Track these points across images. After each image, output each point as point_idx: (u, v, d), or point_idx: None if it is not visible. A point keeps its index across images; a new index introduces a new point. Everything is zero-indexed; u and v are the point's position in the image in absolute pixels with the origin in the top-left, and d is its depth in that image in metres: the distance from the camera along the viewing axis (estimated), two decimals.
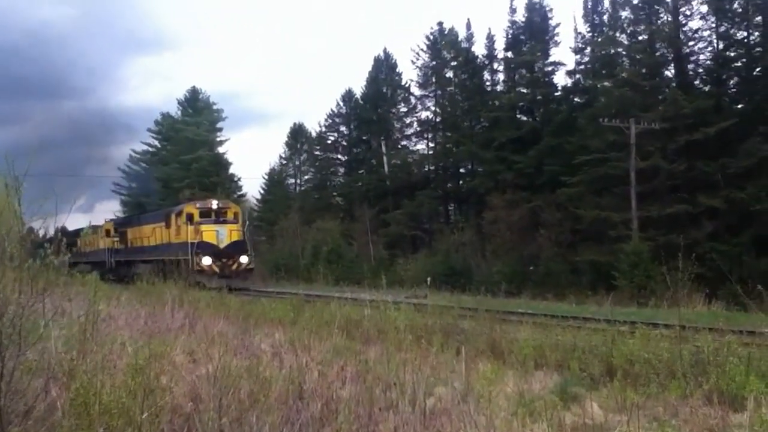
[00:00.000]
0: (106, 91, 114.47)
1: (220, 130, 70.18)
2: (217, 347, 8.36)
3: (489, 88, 52.26)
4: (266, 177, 69.17)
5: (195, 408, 5.66)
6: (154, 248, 37.30)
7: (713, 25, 37.73)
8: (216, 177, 63.42)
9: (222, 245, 32.46)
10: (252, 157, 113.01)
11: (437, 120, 56.12)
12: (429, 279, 30.44)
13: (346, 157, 62.92)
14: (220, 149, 68.92)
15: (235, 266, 32.36)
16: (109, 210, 77.56)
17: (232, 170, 68.65)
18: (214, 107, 70.55)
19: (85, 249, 49.60)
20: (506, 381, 8.44)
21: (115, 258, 44.30)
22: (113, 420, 4.93)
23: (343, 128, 63.76)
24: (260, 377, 6.61)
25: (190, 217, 33.09)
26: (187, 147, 64.17)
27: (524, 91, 48.08)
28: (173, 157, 65.19)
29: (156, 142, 69.65)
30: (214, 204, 34.29)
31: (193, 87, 71.08)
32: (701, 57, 38.91)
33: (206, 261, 31.24)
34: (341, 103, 63.31)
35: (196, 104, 69.83)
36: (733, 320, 15.91)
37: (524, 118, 48.33)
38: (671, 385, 8.22)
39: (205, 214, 33.54)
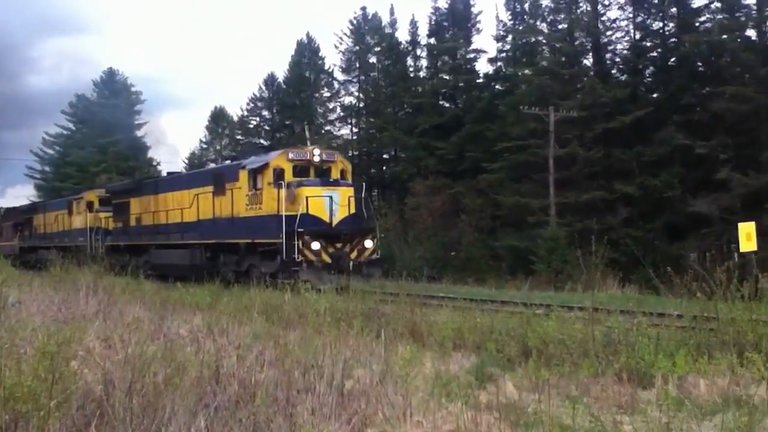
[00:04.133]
0: (15, 71, 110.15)
1: (139, 113, 68.51)
2: (133, 333, 8.20)
3: (412, 74, 52.56)
4: (186, 161, 68.03)
5: (106, 393, 5.54)
6: (194, 226, 25.35)
7: (630, 16, 38.90)
8: (134, 161, 61.91)
9: (335, 221, 21.02)
10: (172, 141, 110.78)
11: (361, 105, 56.12)
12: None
13: (268, 142, 62.31)
14: (138, 132, 67.29)
15: (355, 254, 21.00)
16: (22, 195, 75.02)
17: (150, 154, 67.23)
18: (132, 89, 68.78)
19: (49, 230, 40.95)
20: (425, 363, 8.53)
21: (108, 240, 32.99)
22: (18, 405, 4.78)
23: (265, 113, 63.18)
24: (176, 361, 6.51)
25: (279, 175, 21.44)
26: (104, 130, 62.26)
27: (447, 77, 48.51)
28: (89, 140, 63.23)
29: (71, 125, 67.37)
30: (317, 155, 22.49)
31: (110, 68, 69.10)
32: (618, 47, 40.18)
33: (315, 246, 20.02)
34: (263, 87, 62.69)
35: (113, 86, 67.81)
36: (645, 302, 16.49)
37: (447, 105, 48.77)
38: (584, 364, 8.44)
39: (303, 170, 22.15)
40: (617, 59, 40.29)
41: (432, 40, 50.16)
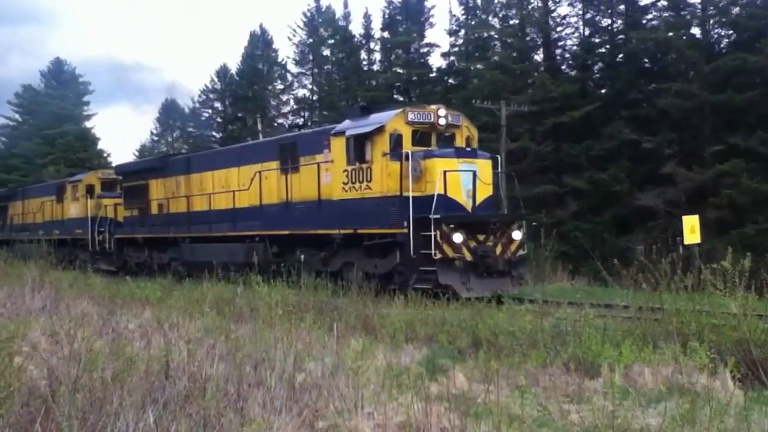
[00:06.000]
0: None
1: (87, 104, 67.23)
2: (81, 328, 8.08)
3: (366, 68, 52.50)
4: (137, 153, 67.02)
5: (51, 389, 5.46)
6: (253, 213, 20.48)
7: (580, 13, 39.46)
8: (83, 152, 60.76)
9: (470, 204, 16.36)
10: (122, 133, 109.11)
11: (314, 98, 55.88)
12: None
13: (220, 134, 61.73)
14: (87, 124, 66.03)
15: (499, 249, 16.27)
16: None
17: (100, 146, 66.01)
18: (81, 80, 67.45)
19: (31, 219, 34.80)
20: (377, 355, 8.58)
21: (120, 232, 27.88)
22: None
23: (217, 105, 62.54)
24: (125, 356, 6.44)
25: (397, 143, 16.72)
26: (52, 121, 60.93)
27: (400, 71, 48.59)
28: (36, 131, 61.86)
29: (17, 116, 65.79)
30: (443, 116, 17.41)
31: (57, 58, 67.59)
32: (569, 43, 40.74)
33: (458, 238, 15.56)
34: (216, 79, 62.06)
35: (60, 77, 66.38)
36: (593, 294, 16.75)
37: (400, 99, 48.84)
38: (533, 355, 8.58)
39: (423, 137, 17.22)
40: (567, 55, 40.94)
41: (386, 34, 50.23)
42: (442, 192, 15.75)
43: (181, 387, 5.87)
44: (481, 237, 16.09)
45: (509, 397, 6.98)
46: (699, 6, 34.37)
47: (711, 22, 34.34)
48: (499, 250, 16.13)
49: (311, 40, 55.19)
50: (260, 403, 5.82)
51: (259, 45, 60.05)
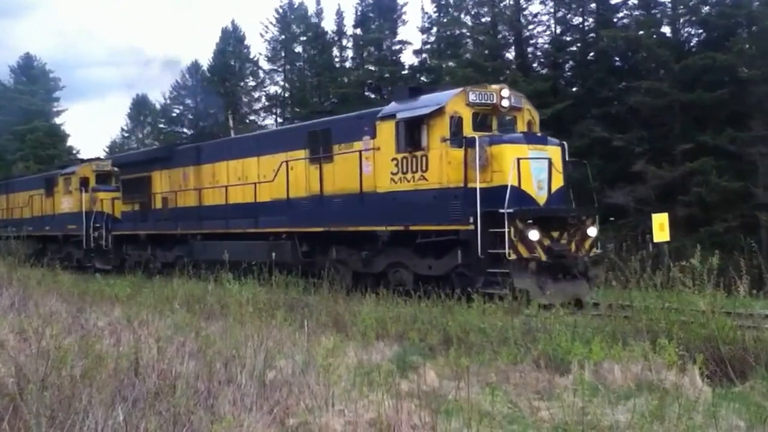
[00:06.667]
0: None
1: (57, 99, 66.55)
2: (49, 325, 7.99)
3: (338, 65, 52.38)
4: (107, 150, 66.42)
5: (19, 387, 5.38)
6: (279, 208, 18.62)
7: (551, 11, 39.53)
8: (53, 149, 60.08)
9: (543, 197, 14.68)
10: (92, 130, 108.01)
11: (286, 95, 55.66)
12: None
13: (192, 131, 61.28)
14: (57, 120, 65.34)
15: (573, 247, 14.60)
16: None
17: (70, 142, 65.33)
18: (51, 75, 66.67)
19: (17, 215, 32.83)
20: (347, 352, 8.58)
21: (118, 229, 25.80)
22: None
23: (189, 101, 62.05)
24: (94, 354, 6.38)
25: (458, 126, 14.95)
26: (21, 117, 60.19)
27: (372, 68, 48.52)
28: (5, 127, 61.04)
29: None
30: (506, 97, 15.53)
31: (27, 54, 66.76)
32: (540, 41, 40.80)
33: (534, 235, 13.74)
34: (187, 76, 61.60)
35: (30, 72, 65.58)
36: None
37: (372, 96, 48.80)
38: (503, 352, 8.62)
39: (483, 120, 15.44)
40: (539, 53, 41.01)
41: (358, 31, 50.11)
42: (516, 183, 14.01)
43: (150, 384, 5.83)
44: (555, 234, 14.40)
45: (480, 394, 7.01)
46: (669, 5, 34.65)
47: (681, 20, 34.63)
48: (572, 248, 14.53)
49: (283, 36, 54.92)
50: (230, 401, 5.80)
51: (231, 41, 59.67)
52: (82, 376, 5.66)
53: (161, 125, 63.85)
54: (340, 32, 52.34)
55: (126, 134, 67.61)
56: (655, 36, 33.94)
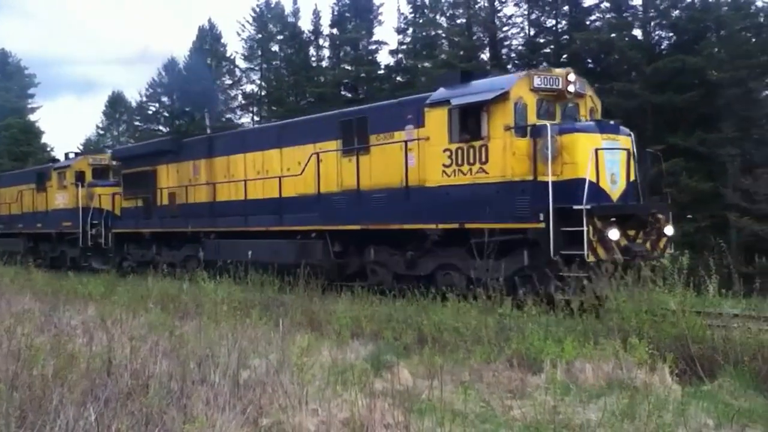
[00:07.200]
0: None
1: (32, 96, 65.83)
2: (21, 324, 7.92)
3: (314, 64, 52.31)
4: (81, 148, 65.69)
5: None
6: (306, 204, 17.28)
7: (525, 13, 39.91)
8: (27, 146, 59.42)
9: (617, 192, 13.38)
10: (67, 127, 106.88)
11: (262, 94, 55.49)
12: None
13: (167, 129, 60.86)
14: (32, 117, 64.59)
15: (649, 245, 13.33)
16: None
17: (44, 139, 64.58)
18: (26, 72, 65.92)
19: (5, 211, 31.07)
20: (322, 351, 8.59)
21: (116, 226, 24.29)
22: None
23: (165, 99, 61.66)
24: (66, 353, 6.34)
25: (522, 114, 13.55)
26: None
27: (349, 68, 48.55)
28: None
29: None
30: (572, 82, 14.25)
31: (2, 50, 65.97)
32: (514, 42, 41.18)
33: (614, 235, 12.39)
34: (163, 73, 61.22)
35: (5, 69, 64.76)
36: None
37: (348, 95, 48.78)
38: (477, 351, 8.67)
39: (548, 109, 14.15)
40: (513, 54, 41.30)
41: (334, 31, 50.08)
42: (594, 177, 12.71)
43: (123, 384, 5.81)
44: (630, 232, 13.10)
45: (453, 392, 7.06)
46: (641, 8, 35.06)
47: (652, 24, 35.05)
48: (649, 246, 13.26)
49: (260, 35, 54.73)
50: (204, 401, 5.78)
51: (208, 39, 59.36)
52: (53, 376, 5.63)
53: (137, 123, 63.30)
54: (316, 32, 52.26)
55: (101, 132, 66.93)
56: (627, 39, 34.33)
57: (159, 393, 5.64)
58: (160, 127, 61.08)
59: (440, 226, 14.21)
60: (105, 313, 10.60)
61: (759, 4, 32.62)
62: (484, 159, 13.50)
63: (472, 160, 13.68)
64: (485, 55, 41.58)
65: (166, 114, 61.29)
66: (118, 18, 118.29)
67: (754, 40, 31.57)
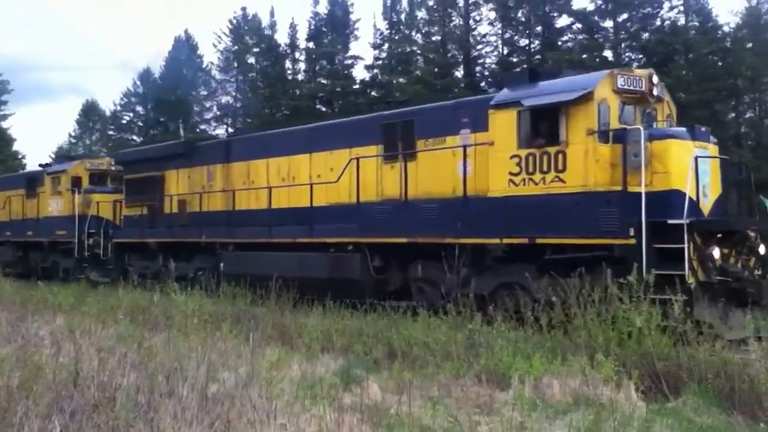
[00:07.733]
0: None
1: (5, 103, 65.07)
2: None
3: (290, 77, 52.37)
4: (53, 156, 65.09)
5: None
6: (341, 213, 15.91)
7: (499, 32, 40.45)
8: None
9: (708, 205, 12.13)
10: (39, 135, 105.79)
11: (238, 105, 55.42)
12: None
13: (141, 138, 60.48)
14: (4, 124, 63.77)
15: (740, 263, 11.90)
16: None
17: (16, 147, 63.82)
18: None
19: None
20: (292, 365, 8.58)
21: (117, 236, 22.63)
22: None
23: (139, 108, 61.35)
24: (32, 364, 6.29)
25: (604, 115, 12.36)
26: None
27: (324, 82, 48.66)
28: None
29: None
30: (656, 84, 13.17)
31: None
32: (488, 60, 41.71)
33: (716, 253, 11.23)
34: (138, 83, 60.96)
35: None
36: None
37: (323, 109, 48.86)
38: (446, 367, 8.71)
39: (628, 114, 12.99)
40: (486, 72, 41.76)
41: (311, 44, 50.19)
42: (693, 190, 11.48)
43: (89, 396, 5.77)
44: (725, 251, 11.71)
45: (422, 408, 7.08)
46: (611, 30, 35.67)
47: (622, 45, 35.65)
48: (740, 265, 11.90)
49: (236, 47, 54.71)
50: (171, 414, 5.75)
51: (184, 50, 59.22)
52: (18, 387, 5.58)
53: (110, 132, 62.88)
54: (293, 45, 52.33)
55: (74, 140, 66.35)
56: (598, 59, 34.76)
57: (126, 406, 5.62)
58: (134, 137, 60.73)
59: (505, 240, 12.84)
60: (74, 323, 10.53)
61: (725, 29, 33.37)
62: (561, 167, 12.18)
63: (546, 168, 12.33)
64: (459, 72, 42.01)
65: (140, 123, 60.96)
66: (94, 25, 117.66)
67: (720, 63, 32.14)
